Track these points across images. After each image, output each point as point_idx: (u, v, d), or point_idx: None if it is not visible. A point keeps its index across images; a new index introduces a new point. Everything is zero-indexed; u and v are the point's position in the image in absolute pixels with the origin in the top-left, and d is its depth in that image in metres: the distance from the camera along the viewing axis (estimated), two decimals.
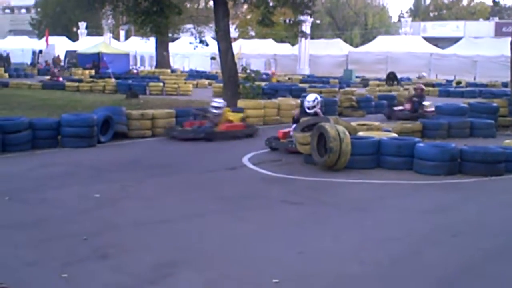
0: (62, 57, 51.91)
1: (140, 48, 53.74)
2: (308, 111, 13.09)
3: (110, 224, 7.33)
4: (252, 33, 66.99)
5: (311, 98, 13.36)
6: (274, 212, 8.13)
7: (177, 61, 54.92)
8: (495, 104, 18.63)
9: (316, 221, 7.68)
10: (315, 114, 13.02)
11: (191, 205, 8.38)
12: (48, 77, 35.35)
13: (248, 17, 57.74)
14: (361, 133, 12.67)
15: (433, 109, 18.71)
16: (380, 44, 54.44)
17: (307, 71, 50.64)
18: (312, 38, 52.99)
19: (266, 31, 53.26)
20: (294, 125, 12.88)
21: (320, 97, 14.44)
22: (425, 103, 20.07)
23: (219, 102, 15.40)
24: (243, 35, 65.58)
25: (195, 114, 16.24)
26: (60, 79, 33.75)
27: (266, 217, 7.88)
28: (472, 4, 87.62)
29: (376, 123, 14.68)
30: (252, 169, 11.19)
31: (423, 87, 21.99)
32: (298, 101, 19.72)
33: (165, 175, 10.46)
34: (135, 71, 44.84)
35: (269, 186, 9.84)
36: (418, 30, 70.41)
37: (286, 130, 13.39)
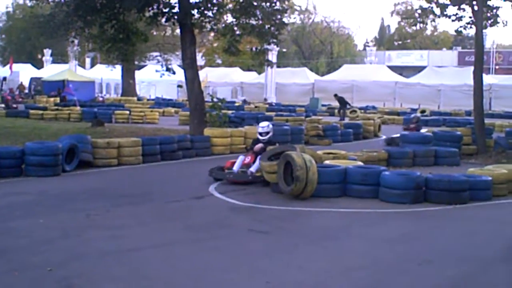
0: (26, 84, 51.36)
1: (106, 75, 53.49)
2: (261, 137, 13.16)
3: (75, 254, 7.22)
4: (219, 61, 67.25)
5: (264, 124, 13.57)
6: (241, 242, 8.11)
7: (143, 89, 54.78)
8: (459, 133, 18.94)
9: (283, 250, 7.67)
10: (269, 141, 13.09)
11: (159, 235, 8.31)
12: (3, 105, 35.03)
13: (215, 45, 57.95)
14: (327, 162, 12.74)
15: None
16: (346, 73, 55.05)
17: (273, 99, 50.97)
18: (278, 66, 53.41)
19: (232, 59, 53.59)
20: (241, 156, 13.11)
21: (287, 125, 14.55)
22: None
23: (265, 126, 13.53)
24: (210, 63, 65.82)
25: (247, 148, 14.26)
26: (16, 106, 33.54)
27: (234, 246, 7.85)
28: (435, 33, 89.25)
29: (342, 152, 14.79)
30: (219, 198, 11.16)
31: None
32: None
33: (132, 204, 10.37)
34: (100, 98, 44.57)
35: (237, 215, 9.83)
36: (383, 59, 71.47)
37: (233, 160, 13.28)
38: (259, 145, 12.93)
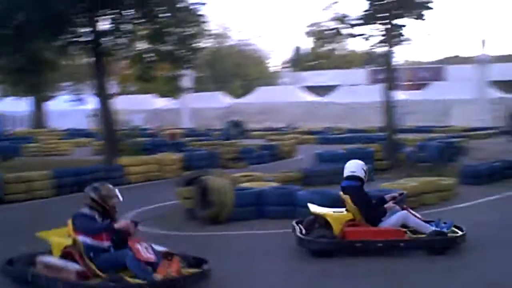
0: None
1: (15, 107, 51.91)
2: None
3: None
4: (133, 88, 66.51)
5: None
6: None
7: (55, 119, 53.38)
8: (371, 149, 19.33)
9: None
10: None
11: None
12: None
13: (128, 72, 57.30)
14: (243, 185, 12.69)
15: None
16: (261, 95, 55.59)
17: (189, 124, 50.82)
18: (194, 91, 53.29)
19: (147, 86, 53.02)
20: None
21: (203, 150, 14.38)
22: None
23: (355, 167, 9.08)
24: (124, 90, 64.98)
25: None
26: None
27: None
28: (348, 53, 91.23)
29: (258, 174, 14.78)
30: None
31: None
32: (181, 155, 19.70)
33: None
34: (10, 131, 43.19)
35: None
36: (298, 79, 72.45)
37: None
38: (124, 224, 7.06)
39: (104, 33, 20.12)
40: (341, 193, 8.78)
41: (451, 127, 40.80)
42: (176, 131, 33.64)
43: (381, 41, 20.50)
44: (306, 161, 21.12)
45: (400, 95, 49.24)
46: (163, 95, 60.75)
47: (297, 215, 10.90)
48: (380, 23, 19.93)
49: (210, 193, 10.57)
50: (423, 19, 19.85)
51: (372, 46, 21.03)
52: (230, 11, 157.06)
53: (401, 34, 20.48)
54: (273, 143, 26.43)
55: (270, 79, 77.09)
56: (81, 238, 6.79)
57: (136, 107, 55.31)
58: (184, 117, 52.24)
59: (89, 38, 19.92)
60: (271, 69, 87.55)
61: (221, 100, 56.86)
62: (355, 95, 51.77)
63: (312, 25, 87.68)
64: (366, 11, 20.05)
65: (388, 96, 20.03)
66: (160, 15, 20.49)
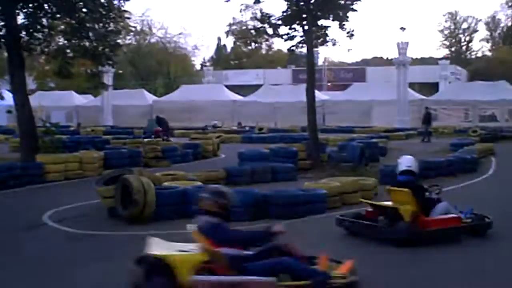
0: None
1: None
2: None
3: None
4: (52, 85, 64.91)
5: None
6: (80, 272, 7.71)
7: None
8: (294, 149, 19.49)
9: (125, 277, 7.36)
10: None
11: None
12: None
13: (47, 68, 55.88)
14: (166, 183, 12.55)
15: None
16: (184, 93, 55.23)
17: (110, 122, 50.03)
18: (115, 88, 52.51)
19: (67, 82, 51.88)
20: None
21: (125, 148, 14.13)
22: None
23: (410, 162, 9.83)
24: (42, 86, 63.31)
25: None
26: None
27: (73, 278, 7.46)
28: (270, 52, 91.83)
29: (181, 173, 14.65)
30: (54, 227, 10.65)
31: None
32: (102, 153, 19.35)
33: None
34: None
35: (74, 245, 9.39)
36: (221, 78, 72.46)
37: None
38: (279, 227, 6.52)
39: (21, 27, 19.53)
40: (391, 187, 9.55)
41: (372, 127, 41.64)
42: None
43: (301, 42, 20.68)
44: (229, 160, 21.11)
45: (322, 96, 50.27)
46: (84, 91, 59.63)
47: None
48: (299, 24, 20.09)
49: (132, 192, 10.39)
50: (347, 21, 20.13)
51: (292, 46, 21.20)
52: (154, 7, 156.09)
53: (325, 35, 20.72)
54: (197, 142, 26.27)
55: (193, 77, 76.75)
56: (224, 250, 6.01)
57: (56, 103, 54.00)
58: (106, 114, 51.37)
59: (4, 32, 19.30)
60: (195, 67, 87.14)
61: (143, 97, 56.16)
62: (278, 94, 52.15)
63: (232, 24, 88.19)
64: (284, 12, 20.17)
65: (310, 96, 20.21)
66: (80, 10, 20.06)
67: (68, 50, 21.35)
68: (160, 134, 31.43)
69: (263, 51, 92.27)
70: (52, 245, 9.41)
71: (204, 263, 5.84)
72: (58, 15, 20.16)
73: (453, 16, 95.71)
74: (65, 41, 21.63)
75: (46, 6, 19.85)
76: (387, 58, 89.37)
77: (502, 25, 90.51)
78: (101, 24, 20.73)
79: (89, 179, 16.52)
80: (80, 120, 48.22)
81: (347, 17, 19.99)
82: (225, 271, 5.88)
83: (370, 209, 9.75)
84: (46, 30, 20.28)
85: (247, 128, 43.28)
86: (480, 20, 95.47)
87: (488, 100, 45.50)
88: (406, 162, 9.65)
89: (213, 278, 5.79)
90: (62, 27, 21.50)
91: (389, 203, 9.42)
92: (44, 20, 20.15)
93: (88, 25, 20.38)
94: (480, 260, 8.30)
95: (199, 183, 13.00)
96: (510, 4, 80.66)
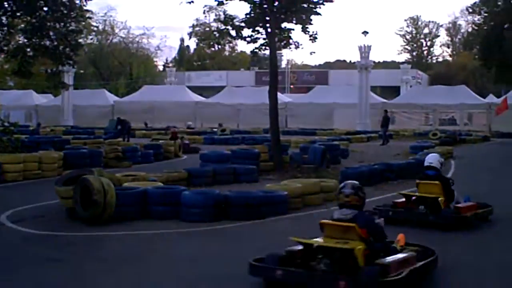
0: None
1: None
2: None
3: None
4: (11, 84, 63.92)
5: None
6: (37, 274, 7.55)
7: None
8: (256, 150, 19.52)
9: (82, 279, 7.29)
10: None
11: None
12: None
13: (6, 66, 55.02)
14: (126, 184, 12.46)
15: None
16: (146, 94, 55.00)
17: (71, 122, 49.50)
18: (76, 88, 51.99)
19: (26, 81, 51.19)
20: None
21: (85, 148, 13.98)
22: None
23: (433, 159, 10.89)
24: (1, 85, 62.32)
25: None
26: None
27: (30, 280, 7.30)
28: (233, 54, 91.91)
29: (142, 173, 14.55)
30: (11, 227, 10.44)
31: None
32: (61, 153, 19.13)
33: None
34: None
35: (31, 245, 9.21)
36: (183, 79, 72.27)
37: None
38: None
39: None
40: (420, 181, 10.62)
41: (334, 130, 41.96)
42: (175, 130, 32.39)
43: (264, 44, 20.70)
44: (191, 161, 21.04)
45: (285, 98, 50.45)
46: (44, 91, 58.91)
47: (181, 215, 10.87)
48: (262, 27, 20.11)
49: (92, 193, 10.27)
50: (311, 24, 20.18)
51: (256, 49, 21.19)
52: (117, 7, 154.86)
53: (289, 38, 20.76)
54: (158, 142, 26.13)
55: (156, 78, 76.40)
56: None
57: (16, 103, 53.25)
58: (66, 114, 50.82)
59: None
60: (158, 68, 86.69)
61: (104, 98, 55.71)
62: (241, 96, 52.26)
63: (196, 25, 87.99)
64: (247, 14, 20.16)
65: (272, 98, 20.24)
66: (41, 9, 19.84)
67: (28, 49, 21.09)
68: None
69: (226, 53, 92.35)
70: (9, 245, 9.24)
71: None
72: (18, 14, 19.91)
73: (415, 21, 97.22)
74: (25, 40, 21.36)
75: (5, 4, 19.59)
76: (350, 62, 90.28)
77: (462, 30, 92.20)
78: (62, 24, 20.55)
79: (48, 179, 16.29)
80: (40, 120, 47.66)
81: (311, 20, 20.03)
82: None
83: (400, 200, 10.92)
84: (5, 28, 20.01)
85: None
86: (442, 25, 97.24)
87: (448, 104, 46.27)
88: (429, 158, 10.81)
89: (396, 257, 6.59)
90: (22, 25, 21.23)
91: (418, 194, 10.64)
92: (3, 18, 19.88)
93: (48, 24, 20.17)
94: None
95: (160, 184, 12.95)
96: (470, 10, 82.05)
